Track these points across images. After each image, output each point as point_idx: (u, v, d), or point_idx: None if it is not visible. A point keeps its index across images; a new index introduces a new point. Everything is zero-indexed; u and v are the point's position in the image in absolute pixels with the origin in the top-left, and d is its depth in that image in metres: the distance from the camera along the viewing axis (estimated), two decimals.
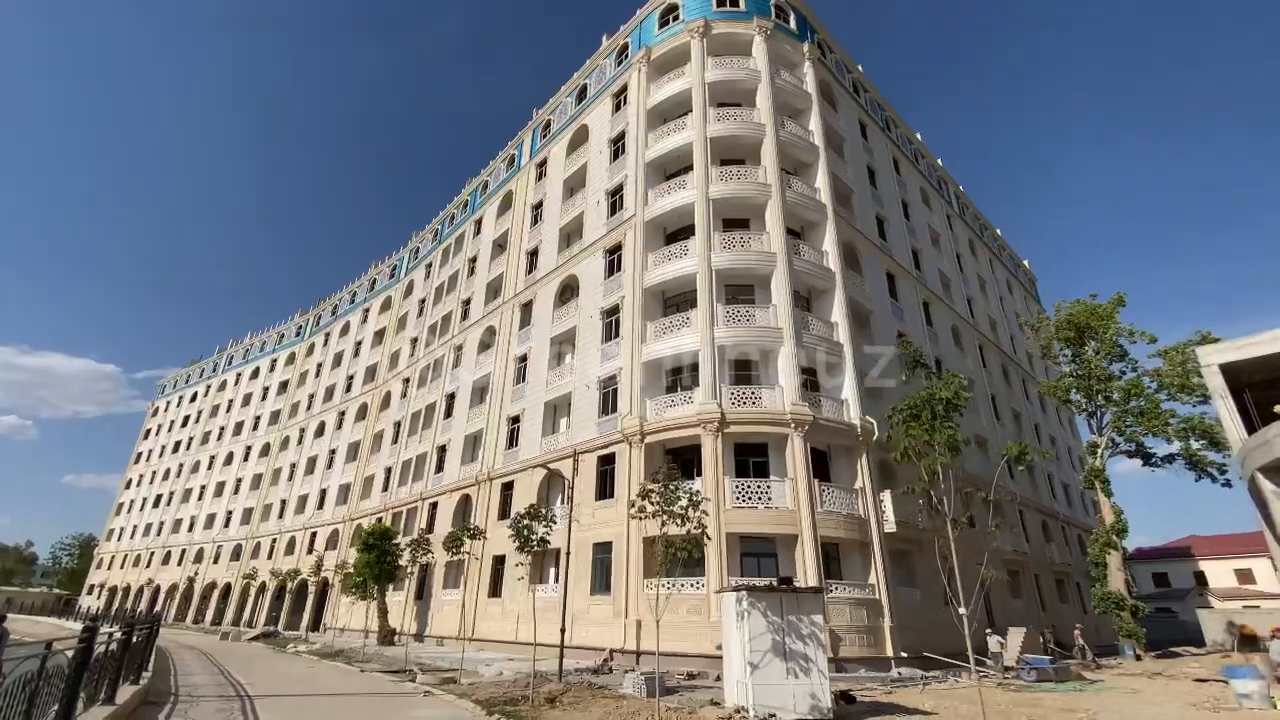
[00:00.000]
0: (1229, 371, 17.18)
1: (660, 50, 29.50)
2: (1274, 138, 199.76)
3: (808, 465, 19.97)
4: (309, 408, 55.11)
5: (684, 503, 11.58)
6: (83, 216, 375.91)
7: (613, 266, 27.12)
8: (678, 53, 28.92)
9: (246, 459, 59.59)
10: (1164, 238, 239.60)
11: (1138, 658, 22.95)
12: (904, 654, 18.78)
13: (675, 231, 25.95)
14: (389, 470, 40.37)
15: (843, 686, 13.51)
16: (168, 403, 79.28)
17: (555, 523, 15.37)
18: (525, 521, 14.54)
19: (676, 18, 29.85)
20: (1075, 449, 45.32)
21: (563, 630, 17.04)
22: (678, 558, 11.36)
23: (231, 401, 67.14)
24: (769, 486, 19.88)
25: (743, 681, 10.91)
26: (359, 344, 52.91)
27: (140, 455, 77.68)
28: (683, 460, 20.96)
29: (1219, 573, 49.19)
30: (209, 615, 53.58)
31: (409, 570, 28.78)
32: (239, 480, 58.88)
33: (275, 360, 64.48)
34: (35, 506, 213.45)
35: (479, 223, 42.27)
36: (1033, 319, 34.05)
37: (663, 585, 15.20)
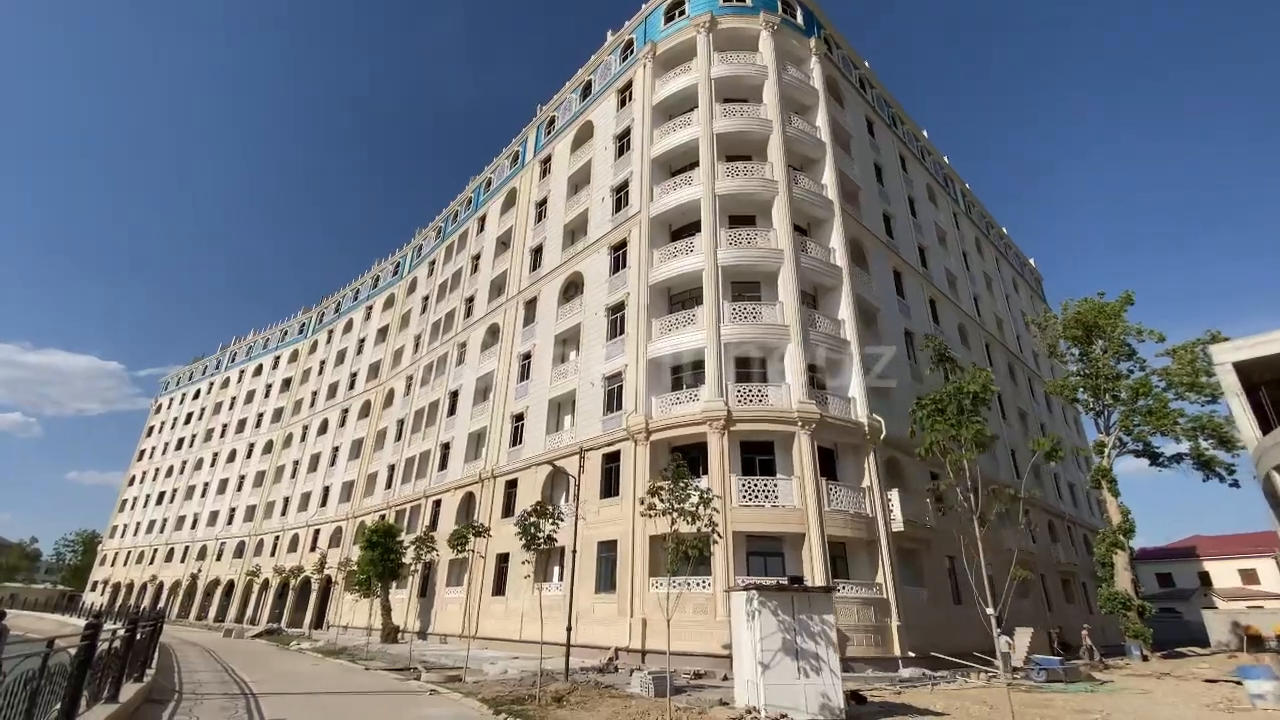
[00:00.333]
0: (1242, 370, 17.04)
1: (666, 45, 29.28)
2: (1274, 138, 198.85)
3: (815, 463, 19.82)
4: (312, 405, 55.05)
5: (695, 500, 11.43)
6: (86, 214, 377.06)
7: (618, 263, 26.95)
8: (683, 48, 28.72)
9: (249, 456, 59.61)
10: (1164, 237, 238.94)
11: (1145, 658, 22.79)
12: (911, 654, 18.64)
13: (681, 228, 25.78)
14: (392, 468, 40.30)
15: (851, 686, 13.36)
16: (171, 400, 79.32)
17: (563, 520, 15.25)
18: (533, 519, 14.42)
19: (682, 13, 29.64)
20: (1081, 448, 45.03)
21: (569, 629, 16.95)
22: (688, 556, 11.19)
23: (234, 398, 67.09)
24: (776, 485, 19.75)
25: (753, 681, 10.78)
26: (362, 341, 52.80)
27: (143, 452, 77.74)
28: (689, 458, 20.71)
29: (1223, 573, 48.95)
30: (212, 612, 53.60)
31: (412, 568, 28.72)
32: (242, 477, 58.90)
33: (278, 357, 64.41)
34: (39, 503, 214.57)
35: (483, 219, 42.13)
36: (1040, 317, 33.80)
37: (670, 584, 15.03)
